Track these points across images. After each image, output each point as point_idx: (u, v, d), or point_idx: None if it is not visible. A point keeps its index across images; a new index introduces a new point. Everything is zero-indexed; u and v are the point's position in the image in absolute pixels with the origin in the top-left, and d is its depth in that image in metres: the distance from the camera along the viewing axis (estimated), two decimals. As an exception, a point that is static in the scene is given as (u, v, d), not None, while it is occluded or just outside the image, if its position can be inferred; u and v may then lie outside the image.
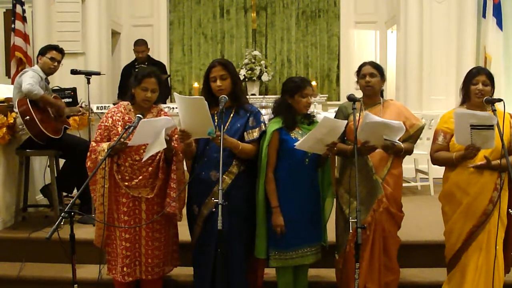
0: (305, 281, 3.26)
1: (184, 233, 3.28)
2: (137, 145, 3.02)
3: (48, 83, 4.38)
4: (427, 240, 3.79)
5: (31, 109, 3.99)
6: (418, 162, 5.82)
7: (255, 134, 3.05)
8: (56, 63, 4.35)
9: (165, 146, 2.90)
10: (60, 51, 4.39)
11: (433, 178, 5.26)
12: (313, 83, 7.20)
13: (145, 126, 2.88)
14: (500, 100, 2.86)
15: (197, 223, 3.09)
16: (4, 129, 4.09)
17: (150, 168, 3.09)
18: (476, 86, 2.97)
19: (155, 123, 2.92)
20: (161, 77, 3.16)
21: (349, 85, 7.47)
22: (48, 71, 4.34)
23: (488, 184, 2.93)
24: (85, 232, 3.79)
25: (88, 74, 4.40)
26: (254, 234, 3.09)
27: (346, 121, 2.95)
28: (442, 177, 3.17)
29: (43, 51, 4.33)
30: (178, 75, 8.29)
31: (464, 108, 3.00)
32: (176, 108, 3.20)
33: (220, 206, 2.49)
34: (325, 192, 3.20)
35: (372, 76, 3.09)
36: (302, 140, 2.89)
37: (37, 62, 4.34)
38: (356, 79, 3.20)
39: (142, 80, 3.06)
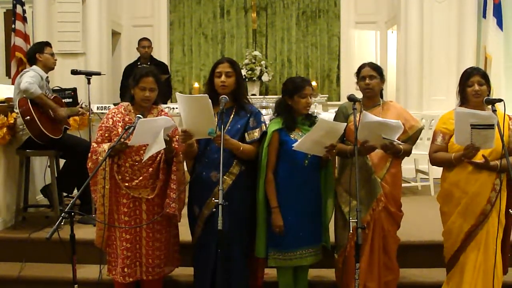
0: (306, 281, 3.26)
1: (185, 233, 3.29)
2: (137, 145, 3.02)
3: (48, 82, 4.38)
4: (427, 240, 3.79)
5: (32, 109, 3.99)
6: (418, 162, 5.82)
7: (256, 134, 3.06)
8: (55, 58, 4.41)
9: (164, 146, 2.90)
10: (51, 45, 4.44)
11: (434, 178, 5.25)
12: (313, 83, 7.20)
13: (144, 126, 2.88)
14: (500, 100, 2.85)
15: (197, 223, 3.09)
16: (5, 129, 4.09)
17: (151, 169, 3.09)
18: (472, 88, 2.97)
19: (153, 123, 2.92)
20: (159, 76, 3.17)
21: (349, 85, 7.46)
22: (51, 67, 4.38)
23: (486, 184, 2.93)
24: (85, 233, 3.79)
25: (89, 74, 4.40)
26: (254, 234, 3.10)
27: (344, 124, 2.94)
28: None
29: (40, 49, 4.32)
30: (179, 75, 8.30)
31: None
32: (177, 108, 3.20)
33: (220, 207, 2.49)
34: (327, 193, 3.19)
35: (371, 78, 3.09)
36: (300, 141, 2.89)
37: (35, 61, 4.31)
38: (356, 80, 3.20)
39: (140, 80, 3.07)
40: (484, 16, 6.41)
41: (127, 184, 3.08)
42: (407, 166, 4.96)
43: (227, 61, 3.06)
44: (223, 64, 3.05)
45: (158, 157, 3.09)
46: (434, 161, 3.14)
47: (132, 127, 2.89)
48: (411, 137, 3.13)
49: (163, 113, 3.22)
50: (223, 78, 3.02)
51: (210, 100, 2.77)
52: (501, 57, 6.37)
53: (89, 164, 3.09)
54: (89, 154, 3.10)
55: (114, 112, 3.17)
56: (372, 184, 3.05)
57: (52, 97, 4.31)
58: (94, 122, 4.54)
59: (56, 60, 4.44)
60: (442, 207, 3.13)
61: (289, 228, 3.01)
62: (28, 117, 3.98)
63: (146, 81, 3.07)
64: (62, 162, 4.56)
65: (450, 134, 3.00)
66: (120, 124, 3.10)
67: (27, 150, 4.24)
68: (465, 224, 2.97)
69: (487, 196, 2.93)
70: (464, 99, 3.04)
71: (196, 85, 7.65)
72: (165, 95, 5.79)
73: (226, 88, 3.01)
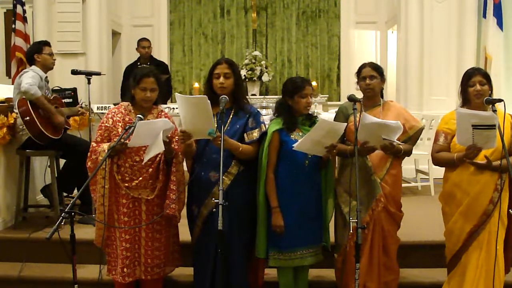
0: (306, 281, 3.26)
1: (185, 233, 3.28)
2: (137, 146, 3.02)
3: (48, 82, 4.38)
4: (427, 240, 3.79)
5: (31, 110, 3.99)
6: (418, 163, 5.82)
7: (255, 135, 3.06)
8: (54, 57, 4.40)
9: (163, 148, 2.90)
10: (50, 44, 4.43)
11: (434, 178, 5.26)
12: (314, 83, 7.19)
13: (143, 128, 2.88)
14: (500, 100, 2.85)
15: (196, 223, 3.09)
16: (5, 129, 4.09)
17: (150, 170, 3.09)
18: (474, 88, 2.96)
19: (153, 125, 2.92)
20: (159, 77, 3.17)
21: (349, 85, 7.48)
22: (50, 67, 4.37)
23: (488, 184, 2.93)
24: (85, 233, 3.79)
25: (89, 74, 4.40)
26: (254, 234, 3.10)
27: (345, 124, 2.94)
28: (442, 177, 3.17)
29: (38, 49, 4.31)
30: (179, 75, 8.31)
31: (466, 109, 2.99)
32: (177, 108, 3.20)
33: (220, 206, 2.49)
34: (327, 193, 3.19)
35: (372, 78, 3.09)
36: (300, 141, 2.88)
37: (34, 61, 4.31)
38: (356, 80, 3.20)
39: (141, 80, 3.07)
40: (484, 16, 6.41)
41: (127, 184, 3.07)
42: (407, 166, 4.96)
43: (225, 62, 3.06)
44: (222, 65, 3.04)
45: (158, 158, 3.09)
46: (436, 161, 3.14)
47: (132, 127, 2.88)
48: (412, 137, 3.13)
49: (163, 113, 3.22)
50: (221, 79, 3.01)
51: (209, 101, 2.77)
52: (501, 57, 6.37)
53: (89, 164, 3.09)
54: (89, 154, 3.09)
55: (114, 112, 3.17)
56: (372, 185, 3.05)
57: (52, 97, 4.31)
58: (94, 122, 4.54)
59: (55, 59, 4.43)
60: (444, 208, 3.13)
61: (289, 228, 3.01)
62: (27, 118, 3.98)
63: (146, 81, 3.07)
64: (62, 162, 4.56)
65: (452, 134, 3.00)
66: (120, 124, 3.10)
67: (27, 150, 4.24)
68: (467, 224, 2.97)
69: (489, 197, 2.93)
70: (466, 99, 3.04)
71: (196, 85, 7.66)
72: (165, 95, 5.80)
73: (225, 89, 3.01)
